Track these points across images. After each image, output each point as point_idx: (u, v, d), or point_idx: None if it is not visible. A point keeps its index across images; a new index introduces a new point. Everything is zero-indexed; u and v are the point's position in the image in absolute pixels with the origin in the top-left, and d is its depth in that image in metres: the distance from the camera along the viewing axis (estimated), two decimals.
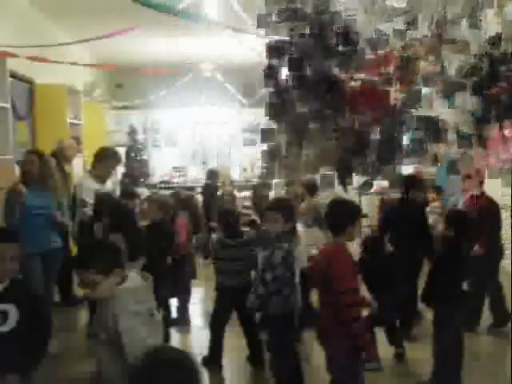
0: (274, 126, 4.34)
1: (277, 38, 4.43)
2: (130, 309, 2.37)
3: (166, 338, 4.48)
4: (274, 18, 4.22)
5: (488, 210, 5.00)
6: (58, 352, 4.51)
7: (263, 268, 3.64)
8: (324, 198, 7.27)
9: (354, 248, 3.80)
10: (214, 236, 4.36)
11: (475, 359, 4.39)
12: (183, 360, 1.72)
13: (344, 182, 4.33)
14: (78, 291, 5.85)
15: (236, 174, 11.24)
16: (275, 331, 3.75)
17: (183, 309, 5.48)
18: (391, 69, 4.23)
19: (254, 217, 5.13)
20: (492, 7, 4.12)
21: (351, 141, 4.21)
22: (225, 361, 4.40)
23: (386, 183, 9.66)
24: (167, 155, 12.14)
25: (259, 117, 12.54)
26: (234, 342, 4.58)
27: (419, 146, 4.30)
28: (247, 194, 8.86)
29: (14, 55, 4.75)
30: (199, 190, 9.21)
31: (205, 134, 12.39)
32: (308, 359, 4.41)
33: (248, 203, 7.19)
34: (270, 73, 4.26)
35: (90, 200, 4.88)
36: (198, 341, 4.97)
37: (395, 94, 4.21)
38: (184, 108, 11.40)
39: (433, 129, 4.24)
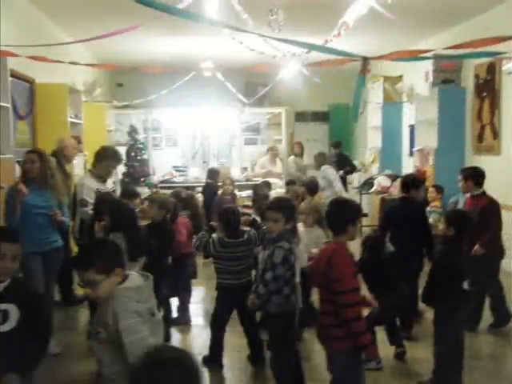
0: None
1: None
2: (130, 308, 2.36)
3: (167, 337, 4.49)
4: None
5: (489, 210, 5.00)
6: (58, 352, 4.52)
7: (264, 267, 3.64)
8: (324, 197, 7.31)
9: (355, 247, 3.80)
10: (214, 235, 4.35)
11: (475, 359, 4.39)
12: (183, 359, 1.72)
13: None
14: (79, 291, 5.85)
15: (236, 174, 11.22)
16: (276, 330, 3.75)
17: (184, 308, 5.48)
18: None
19: (255, 216, 5.11)
20: None
21: None
22: (225, 360, 4.40)
23: (386, 183, 9.72)
24: (168, 154, 12.15)
25: (259, 116, 12.64)
26: (235, 342, 4.59)
27: None
28: (248, 193, 8.89)
29: (14, 54, 4.73)
30: (200, 189, 9.21)
31: (205, 134, 12.39)
32: (308, 358, 4.41)
33: (248, 202, 7.18)
34: None
35: (91, 199, 4.88)
36: (198, 340, 4.97)
37: None
38: (184, 107, 11.40)
39: None
